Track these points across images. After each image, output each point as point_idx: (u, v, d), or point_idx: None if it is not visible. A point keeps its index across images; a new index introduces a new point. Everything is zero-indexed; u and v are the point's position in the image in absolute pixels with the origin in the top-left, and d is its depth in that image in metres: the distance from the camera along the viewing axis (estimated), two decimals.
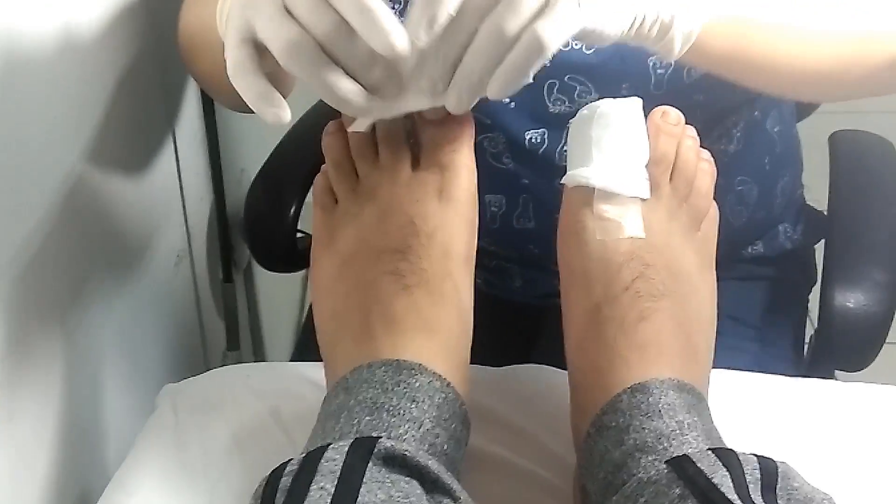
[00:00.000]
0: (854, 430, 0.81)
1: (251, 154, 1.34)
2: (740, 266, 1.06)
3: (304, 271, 1.70)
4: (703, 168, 0.73)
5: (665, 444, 0.63)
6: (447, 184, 0.72)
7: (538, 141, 0.93)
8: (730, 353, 0.76)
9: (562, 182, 0.73)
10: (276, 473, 0.61)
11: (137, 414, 0.94)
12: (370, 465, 0.60)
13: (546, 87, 0.92)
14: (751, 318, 1.04)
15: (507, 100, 0.91)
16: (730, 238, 0.76)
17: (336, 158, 0.74)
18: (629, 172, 0.70)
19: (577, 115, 0.72)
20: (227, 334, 1.38)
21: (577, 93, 0.91)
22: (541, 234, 0.97)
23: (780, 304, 1.08)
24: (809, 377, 0.88)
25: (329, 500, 0.57)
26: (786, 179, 1.05)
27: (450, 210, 0.72)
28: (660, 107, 0.72)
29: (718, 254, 0.75)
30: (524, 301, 1.05)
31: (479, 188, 0.75)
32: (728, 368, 0.82)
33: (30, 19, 0.80)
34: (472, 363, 0.73)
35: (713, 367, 0.73)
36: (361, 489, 0.58)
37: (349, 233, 0.73)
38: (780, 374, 0.88)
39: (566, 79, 0.91)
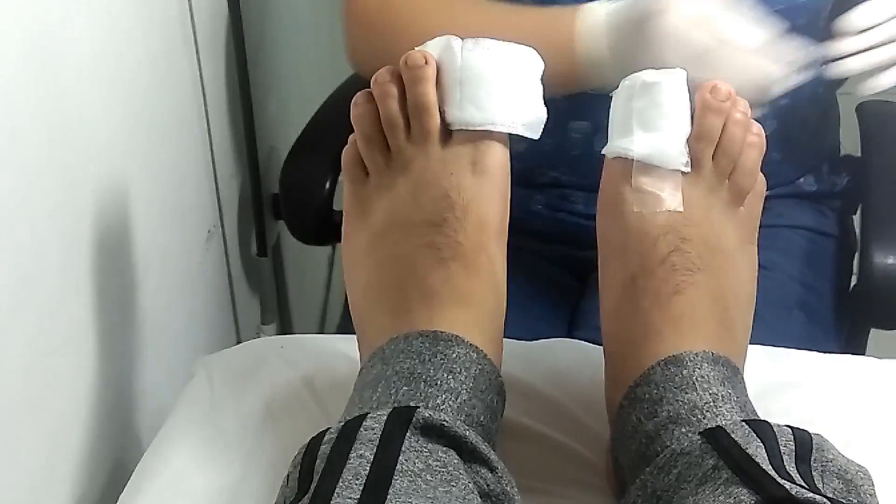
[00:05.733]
0: (889, 406, 0.81)
1: (280, 133, 1.35)
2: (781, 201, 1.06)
3: (330, 250, 1.72)
4: (750, 142, 0.71)
5: (699, 416, 0.64)
6: (481, 156, 0.71)
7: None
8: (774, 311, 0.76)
9: (602, 152, 0.73)
10: (315, 441, 0.62)
11: (170, 386, 0.94)
12: (408, 434, 0.60)
13: None
14: (792, 269, 1.04)
15: None
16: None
17: (366, 131, 0.73)
18: (670, 145, 0.69)
19: (620, 85, 0.72)
20: (262, 308, 1.39)
21: None
22: None
23: (821, 264, 1.07)
24: (848, 339, 0.89)
25: (368, 468, 0.58)
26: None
27: (484, 183, 0.71)
28: (710, 81, 0.70)
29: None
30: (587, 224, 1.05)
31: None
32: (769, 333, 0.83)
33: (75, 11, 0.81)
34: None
35: (750, 343, 0.73)
36: (400, 458, 0.59)
37: (382, 206, 0.73)
38: (821, 336, 0.89)
39: None
